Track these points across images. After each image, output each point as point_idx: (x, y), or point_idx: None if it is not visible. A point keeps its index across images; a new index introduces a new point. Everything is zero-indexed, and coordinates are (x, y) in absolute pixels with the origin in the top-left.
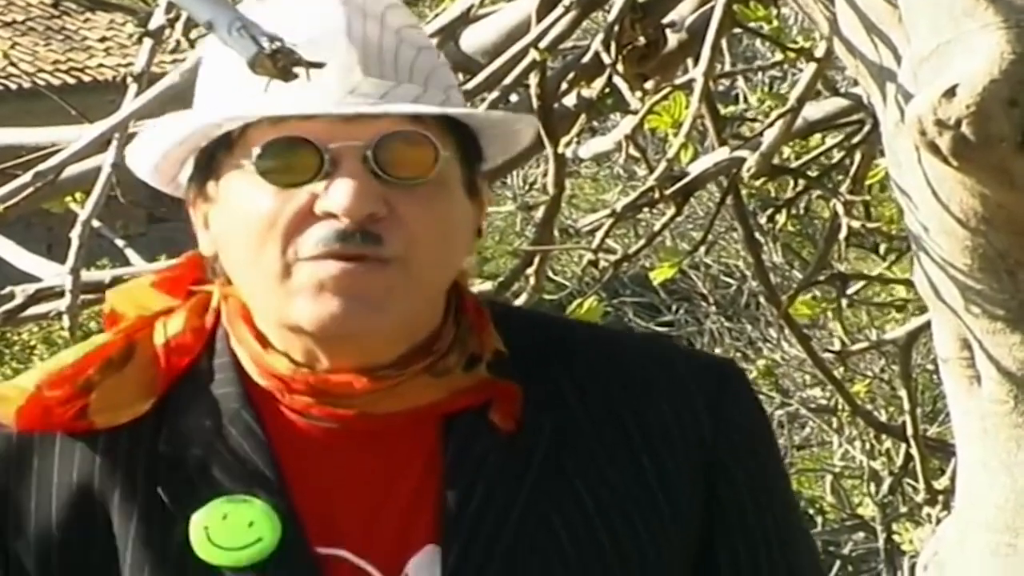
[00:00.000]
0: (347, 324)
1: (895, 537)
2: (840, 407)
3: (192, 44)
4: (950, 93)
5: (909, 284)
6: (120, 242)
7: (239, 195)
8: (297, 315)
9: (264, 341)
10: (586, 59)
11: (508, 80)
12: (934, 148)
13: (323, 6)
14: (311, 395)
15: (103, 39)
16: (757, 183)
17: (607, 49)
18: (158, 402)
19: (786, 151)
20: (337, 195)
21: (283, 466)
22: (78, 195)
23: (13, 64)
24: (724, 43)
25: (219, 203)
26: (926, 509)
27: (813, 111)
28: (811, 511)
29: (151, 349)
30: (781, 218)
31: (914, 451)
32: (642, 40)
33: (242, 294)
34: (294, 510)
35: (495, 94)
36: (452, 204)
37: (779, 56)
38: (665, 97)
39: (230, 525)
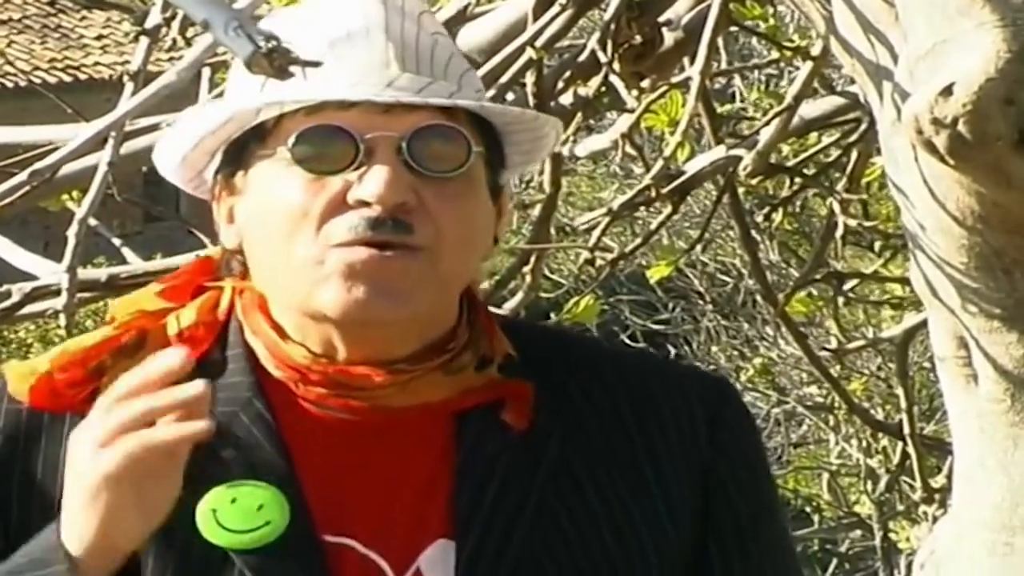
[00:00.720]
0: (371, 311)
1: (892, 535)
2: (837, 405)
3: (188, 43)
4: (947, 92)
5: (905, 282)
6: (117, 240)
7: (270, 184)
8: (323, 301)
9: (282, 332)
10: (582, 58)
11: (505, 79)
12: (931, 147)
13: (362, 3)
14: (327, 386)
15: (99, 37)
16: (754, 181)
17: (603, 48)
18: None
19: (783, 149)
20: (371, 183)
21: (294, 454)
22: (75, 193)
23: (9, 62)
24: (720, 41)
25: (247, 194)
26: (923, 507)
27: (809, 109)
28: (808, 509)
29: (164, 339)
30: (777, 216)
31: (911, 449)
32: (638, 39)
33: (260, 286)
34: (303, 497)
35: (491, 92)
36: (478, 203)
37: (775, 54)
38: (661, 95)
39: (239, 508)
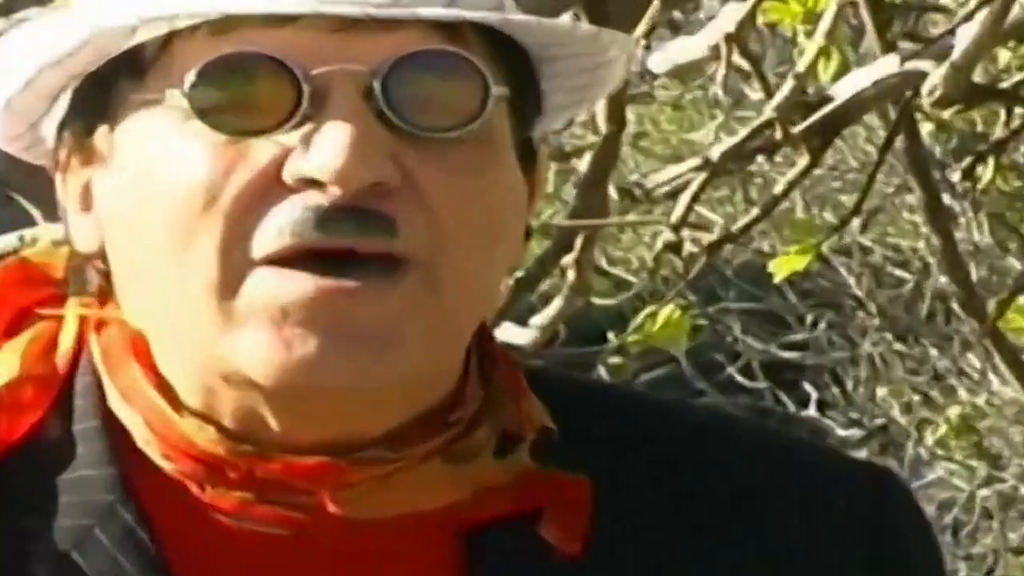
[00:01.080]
0: (327, 375)
1: None
2: None
3: None
4: None
5: None
6: None
7: (156, 150)
8: (242, 357)
9: (172, 396)
10: None
11: None
12: None
13: None
14: (253, 488)
15: None
16: (947, 114)
17: None
18: None
19: (997, 60)
20: (323, 150)
21: None
22: None
23: None
24: None
25: (114, 163)
26: None
27: None
28: None
29: None
30: (986, 172)
31: None
32: None
33: (134, 317)
34: None
35: None
36: (502, 176)
37: None
38: None
39: None
